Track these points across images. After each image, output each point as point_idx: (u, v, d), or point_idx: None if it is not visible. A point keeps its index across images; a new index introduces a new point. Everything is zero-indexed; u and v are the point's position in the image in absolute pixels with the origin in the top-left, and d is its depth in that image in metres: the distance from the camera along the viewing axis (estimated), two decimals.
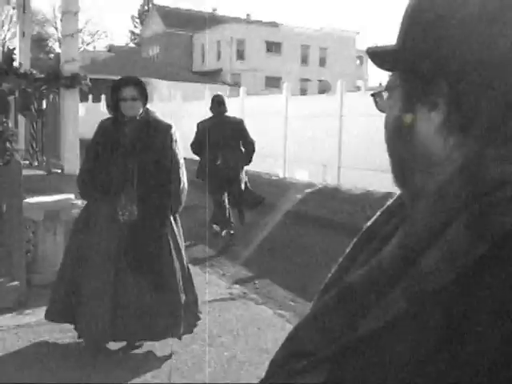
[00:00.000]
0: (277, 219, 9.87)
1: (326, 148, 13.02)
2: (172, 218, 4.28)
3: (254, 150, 7.95)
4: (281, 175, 14.59)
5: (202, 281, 5.69)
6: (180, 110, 20.92)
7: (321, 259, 6.74)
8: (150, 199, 4.13)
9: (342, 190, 11.92)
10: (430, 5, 0.78)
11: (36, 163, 6.83)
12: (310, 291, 5.02)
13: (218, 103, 7.87)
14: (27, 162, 6.69)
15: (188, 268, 4.39)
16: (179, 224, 4.40)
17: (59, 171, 6.76)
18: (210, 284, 5.96)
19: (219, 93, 8.33)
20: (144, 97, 4.19)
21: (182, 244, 4.36)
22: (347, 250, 0.92)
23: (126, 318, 4.06)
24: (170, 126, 4.26)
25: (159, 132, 4.21)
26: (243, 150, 7.91)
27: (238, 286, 6.10)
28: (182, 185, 4.25)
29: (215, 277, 6.36)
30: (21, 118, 6.65)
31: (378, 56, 0.84)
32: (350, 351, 0.71)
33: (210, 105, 8.00)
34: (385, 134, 0.85)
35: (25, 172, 6.14)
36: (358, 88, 29.56)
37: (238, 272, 6.66)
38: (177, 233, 4.31)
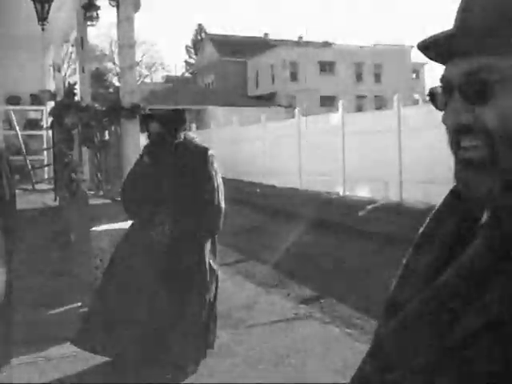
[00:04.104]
0: (339, 237, 9.77)
1: (386, 163, 12.85)
2: (210, 242, 4.30)
3: None
4: (341, 193, 14.48)
5: (266, 301, 5.67)
6: (237, 135, 21.17)
7: (386, 275, 6.60)
8: (185, 221, 4.16)
9: (404, 206, 11.72)
10: None
11: (101, 192, 7.01)
12: (376, 308, 4.91)
13: None
14: (92, 192, 6.88)
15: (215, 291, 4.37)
16: (216, 248, 4.40)
17: None
18: (274, 304, 5.94)
19: None
20: (170, 128, 4.28)
21: (216, 267, 4.36)
22: (404, 261, 0.88)
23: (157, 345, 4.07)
24: (206, 149, 4.33)
25: (196, 155, 4.27)
26: None
27: (303, 305, 6.06)
28: (217, 208, 4.24)
29: (279, 297, 6.33)
30: (84, 150, 6.86)
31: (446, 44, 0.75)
32: (447, 357, 0.67)
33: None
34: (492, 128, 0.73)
35: (91, 201, 6.33)
36: (416, 101, 29.17)
37: (302, 292, 6.61)
38: (210, 258, 4.30)
